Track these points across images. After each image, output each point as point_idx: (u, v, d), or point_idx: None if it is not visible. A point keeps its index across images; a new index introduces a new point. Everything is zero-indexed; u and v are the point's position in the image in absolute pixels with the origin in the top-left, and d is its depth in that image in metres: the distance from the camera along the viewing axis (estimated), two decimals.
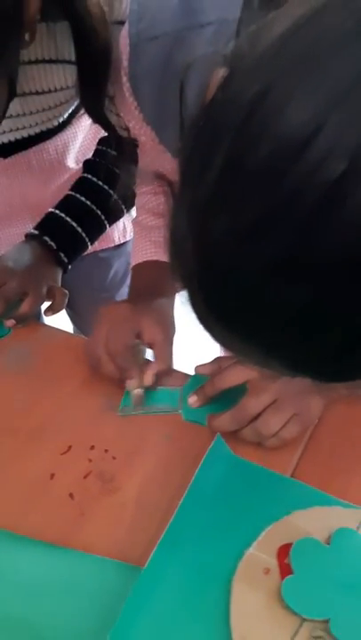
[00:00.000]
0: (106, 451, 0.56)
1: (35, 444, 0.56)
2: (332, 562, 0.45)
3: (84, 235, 0.81)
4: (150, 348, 0.63)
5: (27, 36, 0.52)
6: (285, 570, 0.45)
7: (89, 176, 0.82)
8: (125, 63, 0.54)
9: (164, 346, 0.62)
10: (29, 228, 0.82)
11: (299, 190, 0.23)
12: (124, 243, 0.99)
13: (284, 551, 0.46)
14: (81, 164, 0.87)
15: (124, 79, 0.55)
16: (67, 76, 0.65)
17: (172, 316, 0.66)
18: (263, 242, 0.24)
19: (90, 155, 0.86)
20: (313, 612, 0.42)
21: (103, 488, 0.52)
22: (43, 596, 0.44)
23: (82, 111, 0.77)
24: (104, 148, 0.83)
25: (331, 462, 0.54)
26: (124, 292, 1.02)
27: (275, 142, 0.24)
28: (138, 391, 0.60)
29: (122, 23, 0.57)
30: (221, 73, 0.29)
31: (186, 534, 0.47)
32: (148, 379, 0.60)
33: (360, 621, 0.41)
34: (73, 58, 0.61)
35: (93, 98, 0.62)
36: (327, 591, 0.43)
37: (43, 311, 0.81)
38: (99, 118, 0.65)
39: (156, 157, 0.62)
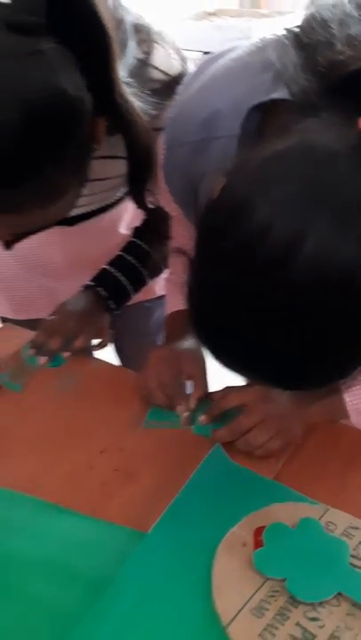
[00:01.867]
0: (131, 452, 0.72)
1: (79, 444, 0.74)
2: (294, 540, 0.59)
3: (129, 288, 1.00)
4: (189, 379, 0.80)
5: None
6: (258, 544, 0.59)
7: (137, 240, 1.01)
8: (161, 160, 0.72)
9: (201, 378, 0.79)
10: (85, 280, 1.01)
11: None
12: (162, 295, 1.18)
13: (259, 531, 0.60)
14: (129, 230, 1.07)
15: (160, 172, 0.73)
16: (121, 166, 0.85)
17: (203, 353, 0.82)
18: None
19: (137, 223, 1.06)
20: (274, 572, 0.56)
21: (128, 479, 0.69)
22: (75, 550, 0.60)
23: None
24: (149, 218, 1.03)
25: (306, 469, 0.69)
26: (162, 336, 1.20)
27: (240, 234, 0.41)
28: (186, 413, 0.76)
29: (160, 130, 0.76)
30: (218, 186, 0.46)
31: (184, 514, 0.63)
32: (193, 403, 0.77)
33: (308, 582, 0.55)
34: (124, 154, 0.80)
35: (137, 187, 0.80)
36: (286, 560, 0.57)
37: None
38: (140, 202, 0.83)
39: (185, 226, 0.80)
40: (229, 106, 0.60)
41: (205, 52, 2.40)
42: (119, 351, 1.23)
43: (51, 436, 0.75)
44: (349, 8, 0.54)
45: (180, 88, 0.71)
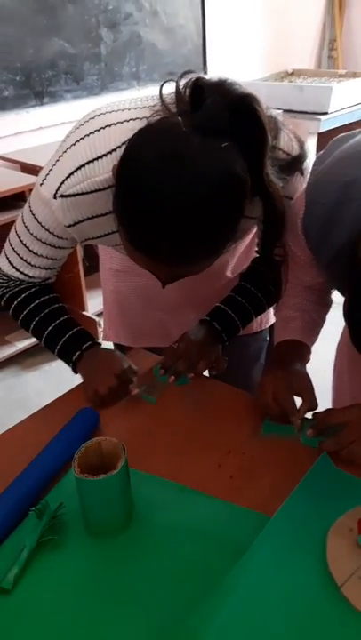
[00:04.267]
0: (251, 456, 0.89)
1: (209, 446, 0.92)
2: None
3: (238, 323, 1.18)
4: (299, 396, 0.96)
5: None
6: None
7: (246, 284, 1.19)
8: (301, 215, 0.90)
9: (310, 394, 0.96)
10: (195, 316, 1.20)
11: None
12: (259, 330, 1.35)
13: None
14: (234, 274, 1.26)
15: (299, 223, 0.91)
16: (245, 224, 1.03)
17: (307, 373, 0.99)
18: None
19: (241, 268, 1.24)
20: None
21: (251, 476, 0.86)
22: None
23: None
24: (256, 266, 1.21)
25: None
26: (257, 367, 1.38)
27: None
28: (298, 422, 0.92)
29: (291, 198, 0.95)
30: None
31: (300, 505, 0.79)
32: (303, 414, 0.93)
33: None
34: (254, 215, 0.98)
35: (270, 242, 0.98)
36: None
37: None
38: (269, 253, 1.01)
39: (307, 270, 0.98)
40: None
41: (286, 110, 2.73)
42: (218, 376, 1.41)
43: (185, 439, 0.94)
44: None
45: (315, 161, 0.89)
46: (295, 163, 0.94)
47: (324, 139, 3.00)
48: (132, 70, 2.84)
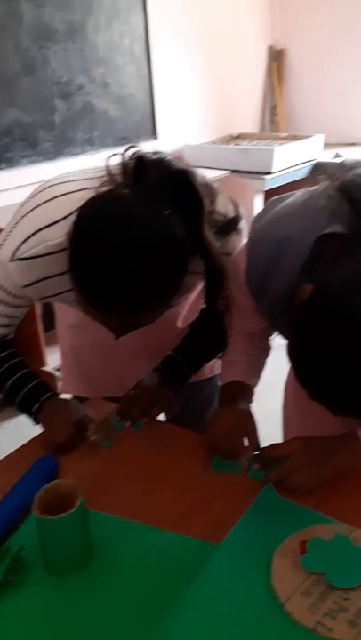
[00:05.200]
0: (204, 490, 0.96)
1: (163, 484, 0.98)
2: (330, 548, 0.81)
3: (189, 369, 1.26)
4: (244, 434, 1.04)
5: None
6: (303, 551, 0.81)
7: (194, 333, 1.28)
8: (242, 268, 1.00)
9: (255, 433, 1.04)
10: (150, 364, 1.28)
11: None
12: (212, 376, 1.44)
13: (303, 543, 0.83)
14: (185, 324, 1.35)
15: (242, 275, 1.00)
16: (191, 278, 1.12)
17: (251, 412, 1.07)
18: None
19: (191, 318, 1.33)
20: (316, 568, 0.78)
21: (203, 508, 0.92)
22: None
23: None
24: (204, 316, 1.30)
25: (338, 500, 0.92)
26: (210, 410, 1.45)
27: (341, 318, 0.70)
28: (246, 461, 1.00)
29: (230, 255, 1.05)
30: (309, 289, 0.75)
31: (247, 532, 0.86)
32: (250, 452, 1.01)
33: (341, 574, 0.77)
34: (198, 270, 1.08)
35: (213, 294, 1.08)
36: (325, 561, 0.79)
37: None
38: (213, 305, 1.11)
39: (250, 317, 1.08)
40: (296, 233, 0.89)
41: (233, 171, 2.93)
42: (174, 419, 1.48)
43: (141, 479, 1.00)
44: None
45: (254, 220, 1.00)
46: (232, 224, 1.06)
47: (269, 196, 3.19)
48: (86, 136, 3.00)
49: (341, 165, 0.96)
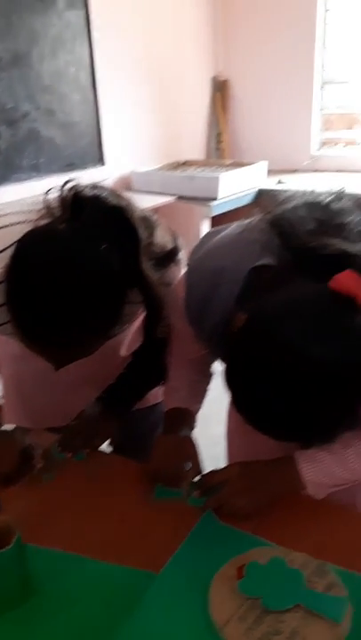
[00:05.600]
0: (144, 518, 0.97)
1: (105, 514, 0.98)
2: (266, 572, 0.83)
3: (131, 398, 1.27)
4: (186, 460, 1.05)
5: None
6: (240, 576, 0.83)
7: (136, 361, 1.30)
8: (181, 298, 1.02)
9: (196, 459, 1.05)
10: (93, 394, 1.28)
11: None
12: (156, 403, 1.45)
13: (240, 568, 0.84)
14: (128, 352, 1.36)
15: (181, 304, 1.02)
16: (130, 308, 1.15)
17: (192, 439, 1.09)
18: None
19: (134, 347, 1.35)
20: (252, 593, 0.80)
21: (143, 537, 0.93)
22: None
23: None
24: (146, 344, 1.32)
25: (275, 524, 0.94)
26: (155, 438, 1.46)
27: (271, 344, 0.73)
28: (186, 488, 1.01)
29: (169, 284, 1.08)
30: (243, 318, 0.77)
31: (186, 558, 0.87)
32: (191, 479, 1.02)
33: (276, 598, 0.79)
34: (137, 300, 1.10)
35: (152, 323, 1.10)
36: (263, 585, 0.81)
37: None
38: (152, 333, 1.13)
39: (190, 344, 1.10)
40: (231, 264, 0.92)
41: (179, 197, 2.99)
42: (118, 448, 1.48)
43: (83, 511, 1.00)
44: (303, 211, 0.88)
45: (192, 251, 1.03)
46: (170, 255, 1.09)
47: (216, 222, 3.26)
48: (32, 163, 3.00)
49: (274, 200, 1.01)
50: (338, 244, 0.82)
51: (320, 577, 0.83)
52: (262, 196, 3.63)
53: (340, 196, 0.93)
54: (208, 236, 1.06)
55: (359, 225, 0.87)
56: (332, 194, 0.93)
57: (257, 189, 3.68)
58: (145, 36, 3.60)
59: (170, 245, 1.09)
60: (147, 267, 0.97)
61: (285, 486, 0.98)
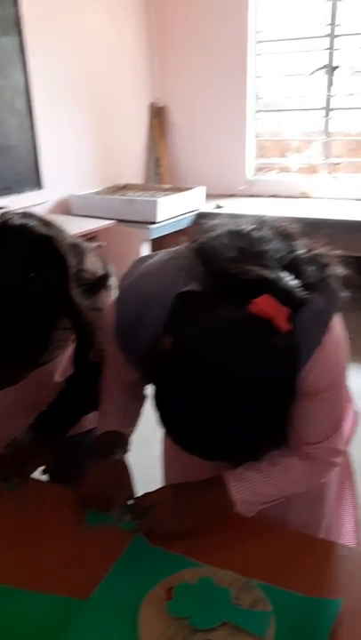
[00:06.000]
0: (76, 544, 0.97)
1: (36, 544, 0.97)
2: (194, 592, 0.85)
3: (65, 424, 1.27)
4: (118, 484, 1.05)
5: None
6: (169, 597, 0.84)
7: (69, 387, 1.30)
8: (111, 322, 1.03)
9: (128, 484, 1.06)
10: (27, 420, 1.27)
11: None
12: (92, 428, 1.45)
13: (170, 590, 0.86)
14: (62, 377, 1.36)
15: (111, 329, 1.04)
16: (62, 334, 1.16)
17: (125, 462, 1.10)
18: None
19: (69, 372, 1.35)
20: (180, 613, 0.81)
21: (72, 565, 0.93)
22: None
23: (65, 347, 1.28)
24: (78, 369, 1.32)
25: (204, 545, 0.96)
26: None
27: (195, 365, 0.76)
28: (118, 513, 1.01)
29: (100, 310, 1.09)
30: (169, 342, 0.80)
31: (116, 582, 0.88)
32: (123, 504, 1.03)
33: (204, 616, 0.81)
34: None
35: (83, 348, 1.11)
36: (192, 604, 0.83)
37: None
38: (83, 358, 1.14)
39: (122, 368, 1.11)
40: (158, 290, 0.95)
41: (119, 220, 3.02)
42: (53, 475, 1.47)
43: (13, 540, 0.99)
44: (225, 240, 0.92)
45: (122, 277, 1.05)
46: (101, 281, 1.11)
47: (156, 245, 3.31)
48: None
49: (199, 228, 1.05)
50: (257, 270, 0.86)
51: (246, 593, 0.85)
52: (201, 220, 3.71)
53: (260, 224, 0.97)
54: (138, 262, 1.08)
55: (278, 252, 0.92)
56: (254, 222, 0.97)
57: (196, 213, 3.77)
58: (81, 61, 3.65)
59: (100, 271, 1.11)
60: (76, 293, 0.99)
61: (216, 506, 1.00)
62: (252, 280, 0.86)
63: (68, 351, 1.39)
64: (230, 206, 3.89)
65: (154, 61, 4.30)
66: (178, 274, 0.95)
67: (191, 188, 3.84)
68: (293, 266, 0.90)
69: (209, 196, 3.97)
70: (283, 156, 4.48)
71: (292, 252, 0.92)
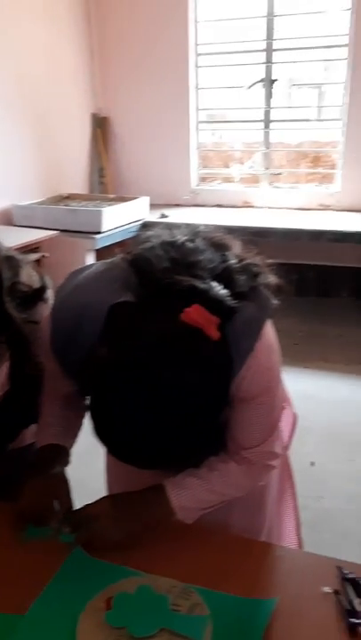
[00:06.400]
0: (14, 558, 0.95)
1: None
2: (133, 601, 0.86)
3: (3, 441, 1.25)
4: (56, 498, 1.05)
5: None
6: (108, 608, 0.85)
7: (6, 401, 1.28)
8: (47, 335, 1.03)
9: (66, 497, 1.06)
10: None
11: None
12: (32, 442, 1.43)
13: (109, 600, 0.86)
14: (1, 393, 1.34)
15: (47, 342, 1.03)
16: (3, 350, 1.14)
17: (64, 475, 1.10)
18: None
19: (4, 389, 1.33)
20: (119, 623, 0.82)
21: (9, 581, 0.92)
22: None
23: None
24: (15, 383, 1.31)
25: (144, 554, 0.96)
26: None
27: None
28: (55, 524, 1.01)
29: (37, 322, 1.09)
30: (103, 352, 0.80)
31: (54, 594, 0.87)
32: (61, 516, 1.02)
33: (142, 624, 0.81)
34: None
35: (19, 361, 1.10)
36: (130, 614, 0.83)
37: None
38: (20, 372, 1.13)
39: (59, 381, 1.11)
40: (93, 301, 0.95)
41: (62, 230, 3.01)
42: None
43: None
44: (159, 251, 0.94)
45: (57, 290, 1.04)
46: (38, 293, 1.10)
47: (101, 255, 3.30)
48: None
49: (135, 240, 1.06)
50: (188, 280, 0.88)
51: (184, 599, 0.86)
52: (145, 229, 3.73)
53: (194, 235, 1.00)
54: (73, 274, 1.08)
55: (210, 262, 0.94)
56: (188, 234, 1.00)
57: (141, 222, 3.78)
58: (20, 72, 3.62)
59: (37, 284, 1.11)
60: (10, 306, 0.98)
61: (156, 514, 1.01)
62: (183, 290, 0.88)
63: (5, 367, 1.37)
64: (175, 216, 3.92)
65: (94, 71, 4.31)
66: (113, 285, 0.96)
67: (136, 198, 3.86)
68: (225, 275, 0.92)
69: (154, 206, 4.00)
70: (226, 166, 4.56)
71: (225, 261, 0.95)
